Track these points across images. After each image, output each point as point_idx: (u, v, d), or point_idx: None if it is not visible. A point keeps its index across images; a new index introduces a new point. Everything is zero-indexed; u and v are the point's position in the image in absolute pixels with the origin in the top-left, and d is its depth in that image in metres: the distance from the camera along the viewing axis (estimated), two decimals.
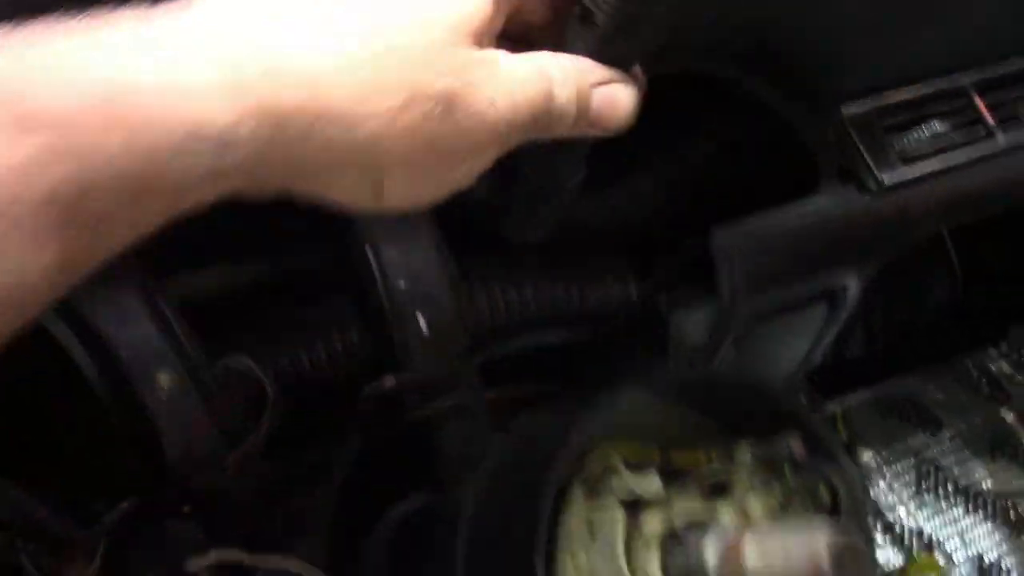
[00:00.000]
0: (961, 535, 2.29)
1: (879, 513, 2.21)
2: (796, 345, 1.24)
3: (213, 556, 0.81)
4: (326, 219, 1.17)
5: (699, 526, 0.73)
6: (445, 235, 1.15)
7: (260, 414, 1.00)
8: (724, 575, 0.68)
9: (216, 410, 0.98)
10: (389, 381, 0.90)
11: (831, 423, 2.24)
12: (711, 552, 0.69)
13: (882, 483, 2.31)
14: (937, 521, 2.29)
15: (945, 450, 2.41)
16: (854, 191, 1.17)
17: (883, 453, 2.34)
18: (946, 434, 2.43)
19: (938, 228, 1.28)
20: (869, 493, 0.68)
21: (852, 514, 0.74)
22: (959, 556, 2.23)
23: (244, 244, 1.22)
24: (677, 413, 0.80)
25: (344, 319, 1.13)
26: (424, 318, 1.08)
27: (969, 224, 1.52)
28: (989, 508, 2.35)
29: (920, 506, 2.30)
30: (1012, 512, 2.36)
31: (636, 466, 0.76)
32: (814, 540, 0.64)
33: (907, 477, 2.34)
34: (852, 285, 1.28)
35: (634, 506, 0.74)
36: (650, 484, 0.75)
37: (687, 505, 0.76)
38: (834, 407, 1.66)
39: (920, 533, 2.19)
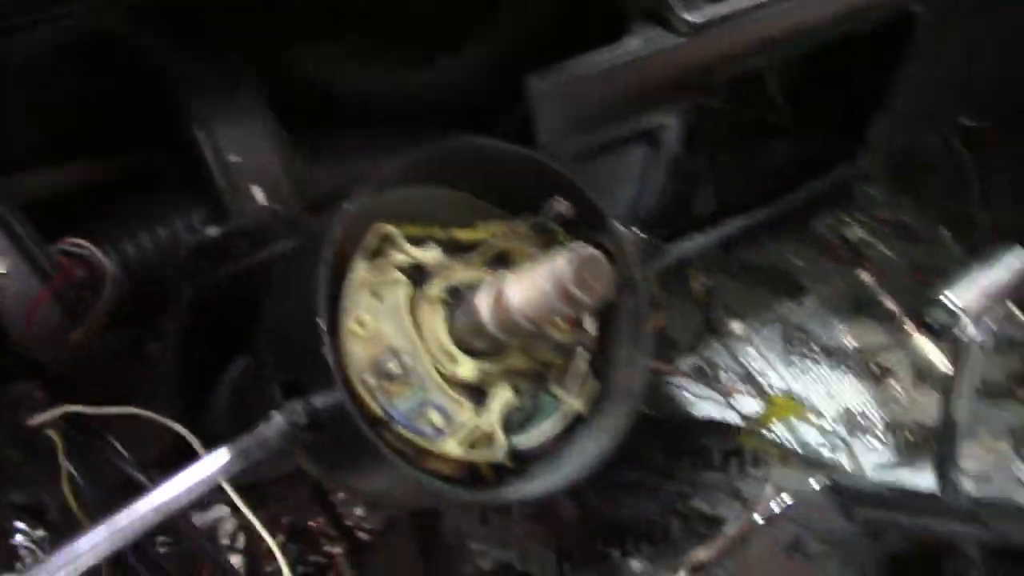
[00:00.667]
0: (829, 392, 2.43)
1: (750, 377, 2.33)
2: (626, 187, 1.30)
3: (57, 411, 0.84)
4: (159, 109, 1.19)
5: (477, 286, 0.78)
6: (275, 113, 1.18)
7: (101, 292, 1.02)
8: (495, 319, 0.73)
9: (56, 290, 1.00)
10: (212, 230, 0.93)
11: (704, 296, 2.35)
12: (483, 301, 0.74)
13: (751, 350, 2.42)
14: (806, 379, 2.42)
15: (809, 314, 2.54)
16: (662, 32, 1.22)
17: (752, 322, 2.45)
18: (809, 299, 2.56)
19: (751, 66, 1.34)
20: (636, 255, 0.72)
21: (624, 266, 0.79)
22: (828, 410, 2.36)
23: (83, 143, 1.24)
24: (460, 199, 0.85)
25: (185, 202, 1.14)
26: (260, 190, 1.11)
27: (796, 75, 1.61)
28: (853, 364, 2.49)
29: (788, 367, 2.42)
30: (874, 366, 2.51)
31: (418, 240, 0.81)
32: (556, 262, 0.69)
33: (775, 342, 2.46)
34: (670, 124, 1.34)
35: (420, 276, 0.79)
36: (431, 254, 0.79)
37: (469, 273, 0.80)
38: (683, 249, 1.72)
39: (790, 393, 2.31)
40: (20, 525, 0.94)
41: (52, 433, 0.85)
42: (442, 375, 0.78)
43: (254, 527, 1.72)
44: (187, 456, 0.85)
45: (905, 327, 2.58)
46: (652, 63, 1.20)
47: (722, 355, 2.35)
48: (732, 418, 2.07)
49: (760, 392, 2.12)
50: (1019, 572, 1.45)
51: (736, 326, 2.43)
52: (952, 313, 1.24)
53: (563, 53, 1.21)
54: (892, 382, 2.48)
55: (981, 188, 2.47)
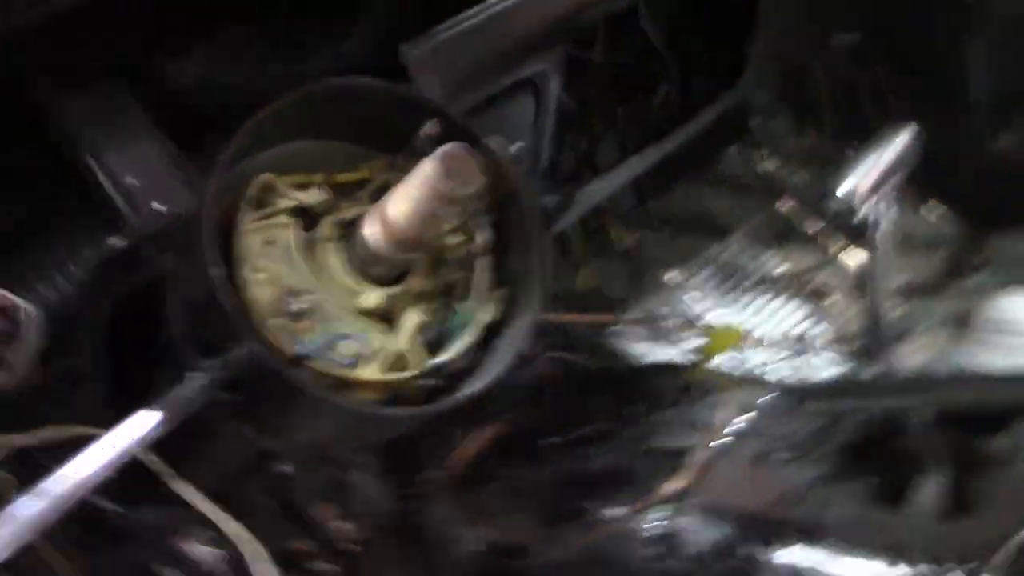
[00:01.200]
0: (770, 319, 2.49)
1: (688, 322, 2.37)
2: (520, 137, 1.33)
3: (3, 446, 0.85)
4: (47, 149, 1.20)
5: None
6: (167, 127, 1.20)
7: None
8: (384, 241, 0.75)
9: None
10: (115, 241, 0.94)
11: (630, 250, 2.40)
12: (369, 227, 0.77)
13: (688, 296, 2.48)
14: (746, 313, 2.48)
15: (738, 251, 2.60)
16: None
17: (682, 269, 2.51)
18: (735, 236, 2.62)
19: (617, 7, 1.38)
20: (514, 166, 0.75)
21: (503, 177, 0.82)
22: (773, 337, 2.42)
23: None
24: (337, 148, 0.88)
25: (93, 233, 1.16)
26: (163, 205, 1.13)
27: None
28: (789, 289, 2.56)
29: (728, 305, 2.48)
30: (809, 286, 2.58)
31: (302, 187, 0.83)
32: (422, 166, 0.72)
33: (710, 284, 2.52)
34: (547, 70, 1.38)
35: (309, 221, 0.81)
36: (315, 195, 0.82)
37: (356, 209, 0.83)
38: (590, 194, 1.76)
39: (730, 326, 2.37)
40: None
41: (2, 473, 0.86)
42: (349, 309, 0.81)
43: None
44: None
45: (832, 244, 2.65)
46: (517, 14, 1.24)
47: (661, 306, 2.40)
48: (679, 359, 2.12)
49: (699, 332, 2.17)
50: (968, 438, 1.50)
51: (669, 276, 2.48)
52: (841, 201, 1.29)
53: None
54: (830, 298, 2.54)
55: (874, 104, 2.55)
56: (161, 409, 0.74)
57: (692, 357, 2.07)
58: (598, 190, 1.70)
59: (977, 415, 1.47)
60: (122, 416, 0.90)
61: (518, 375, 1.86)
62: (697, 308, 2.44)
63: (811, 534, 1.42)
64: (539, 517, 1.74)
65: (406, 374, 0.80)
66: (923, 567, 1.30)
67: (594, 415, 1.81)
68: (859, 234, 1.38)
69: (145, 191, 1.15)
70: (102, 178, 1.14)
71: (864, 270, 1.39)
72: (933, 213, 2.69)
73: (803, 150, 2.85)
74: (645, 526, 1.61)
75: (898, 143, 1.35)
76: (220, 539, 1.75)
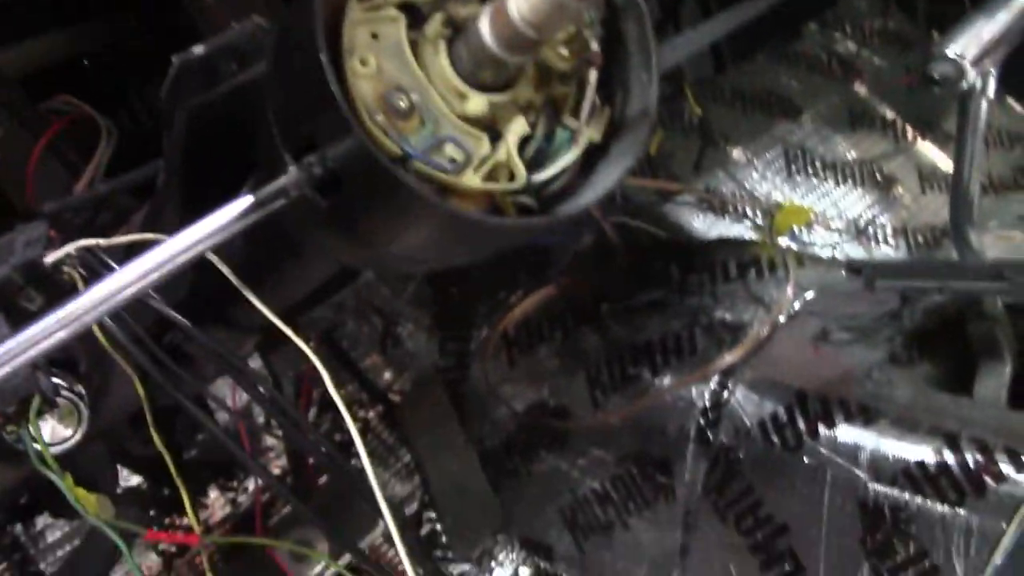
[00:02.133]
0: (836, 205, 2.42)
1: (755, 199, 2.32)
2: None
3: (71, 246, 0.84)
4: None
5: (476, 16, 0.76)
6: None
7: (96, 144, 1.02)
8: (499, 37, 0.71)
9: (50, 145, 1.00)
10: (198, 49, 0.91)
11: (704, 123, 2.33)
12: (484, 22, 0.73)
13: (755, 174, 2.41)
14: (812, 198, 2.41)
15: (808, 132, 2.52)
16: None
17: (751, 147, 2.44)
18: (807, 117, 2.54)
19: None
20: None
21: None
22: (838, 224, 2.36)
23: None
24: None
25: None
26: (238, 21, 1.09)
27: None
28: (857, 175, 2.49)
29: (794, 188, 2.42)
30: (878, 174, 2.50)
31: None
32: None
33: (777, 164, 2.45)
34: None
35: (417, 18, 0.77)
36: None
37: (467, 7, 0.79)
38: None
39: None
40: (57, 380, 0.95)
41: (69, 270, 0.85)
42: (454, 113, 0.77)
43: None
44: None
45: (906, 134, 2.57)
46: None
47: (727, 183, 2.34)
48: (744, 234, 2.07)
49: (767, 209, 2.12)
50: None
51: (736, 152, 2.41)
52: (952, 62, 1.22)
53: None
54: (898, 189, 2.47)
55: None
56: (262, 197, 0.71)
57: (758, 233, 2.02)
58: (680, 47, 1.63)
59: None
60: None
61: (579, 237, 1.84)
62: (762, 188, 2.38)
63: (870, 414, 1.40)
64: (589, 381, 1.73)
65: (509, 185, 0.76)
66: (977, 454, 1.29)
67: (655, 283, 1.78)
68: (962, 103, 1.30)
69: (225, 9, 1.11)
70: None
71: (960, 145, 1.32)
72: (1017, 105, 2.59)
73: (885, 31, 2.73)
74: (696, 397, 1.60)
75: (1009, 9, 1.26)
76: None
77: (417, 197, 0.69)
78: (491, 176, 0.76)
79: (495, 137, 0.78)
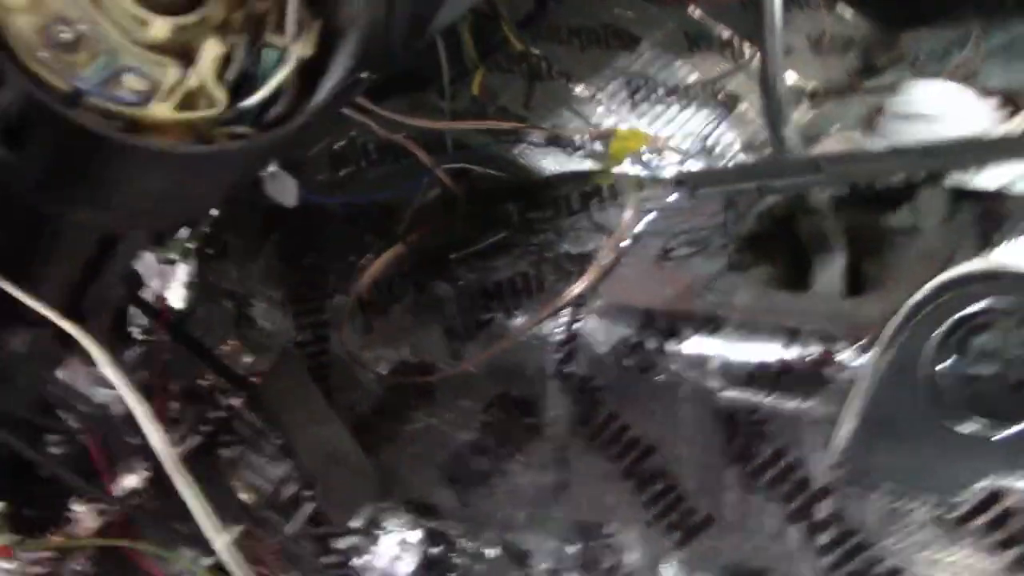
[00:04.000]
0: (682, 128, 2.43)
1: (597, 132, 2.31)
2: None
3: None
4: None
5: None
6: None
7: None
8: None
9: None
10: None
11: (534, 71, 2.30)
12: None
13: (600, 108, 2.40)
14: (658, 124, 2.41)
15: (647, 60, 2.51)
16: None
17: (593, 81, 2.42)
18: (645, 47, 2.53)
19: None
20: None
21: None
22: (685, 147, 2.37)
23: None
24: None
25: None
26: None
27: None
28: (700, 97, 2.50)
29: (640, 117, 2.41)
30: (721, 93, 2.52)
31: None
32: None
33: (621, 96, 2.44)
34: None
35: None
36: None
37: None
38: None
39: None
40: None
41: None
42: (134, 42, 0.72)
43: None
44: None
45: (743, 51, 2.58)
46: None
47: (571, 120, 2.32)
48: (586, 167, 2.06)
49: (602, 136, 2.11)
50: (867, 215, 1.48)
51: (579, 89, 2.39)
52: None
53: None
54: (742, 105, 2.49)
55: None
56: None
57: (598, 164, 2.01)
58: None
59: (875, 193, 1.44)
60: None
61: (418, 191, 1.80)
62: (608, 121, 2.37)
63: (714, 323, 1.40)
64: (446, 333, 1.71)
65: (207, 112, 0.71)
66: (816, 346, 1.30)
67: (498, 226, 1.76)
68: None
69: None
70: None
71: (761, 45, 1.33)
72: (846, 12, 2.63)
73: None
74: (550, 333, 1.59)
75: None
76: None
77: (100, 135, 0.64)
78: (188, 105, 0.71)
79: (189, 63, 0.73)
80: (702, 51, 2.56)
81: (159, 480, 1.73)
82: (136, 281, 1.13)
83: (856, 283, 1.44)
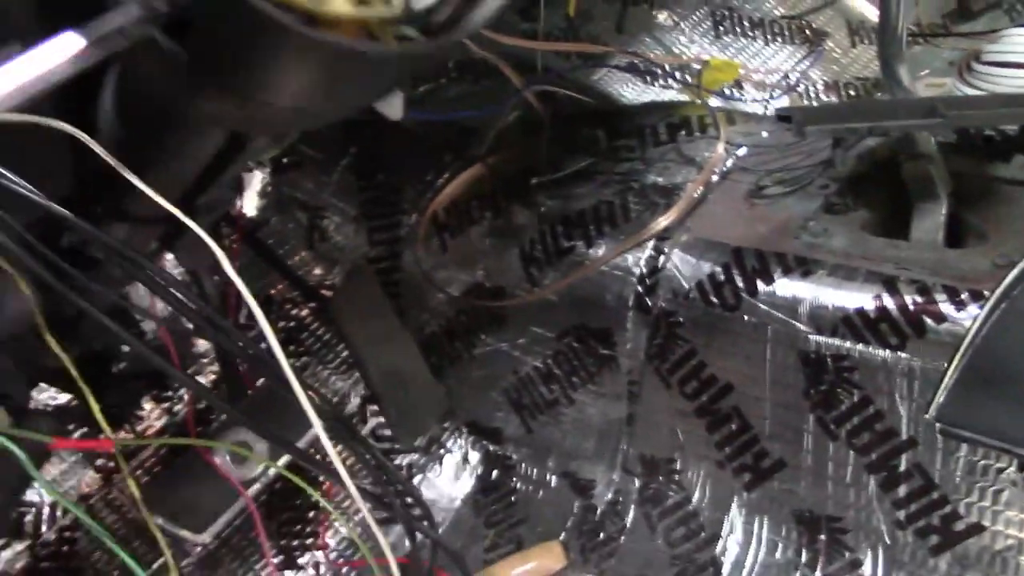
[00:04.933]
0: (766, 63, 2.36)
1: (684, 61, 2.25)
2: None
3: None
4: None
5: None
6: None
7: None
8: None
9: None
10: None
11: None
12: None
13: (682, 38, 2.34)
14: (742, 58, 2.35)
15: None
16: None
17: (676, 9, 2.36)
18: None
19: None
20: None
21: None
22: (769, 81, 2.31)
23: None
24: None
25: None
26: None
27: None
28: (786, 32, 2.43)
29: (723, 49, 2.35)
30: (807, 30, 2.44)
31: None
32: None
33: (704, 26, 2.38)
34: None
35: None
36: None
37: None
38: None
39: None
40: None
41: None
42: None
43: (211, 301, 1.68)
44: None
45: None
46: None
47: (654, 48, 2.27)
48: (674, 98, 2.01)
49: (696, 72, 2.05)
50: (975, 162, 1.43)
51: (662, 16, 2.34)
52: None
53: None
54: (827, 43, 2.42)
55: None
56: (86, 35, 0.63)
57: (686, 95, 1.96)
58: None
59: (985, 141, 1.39)
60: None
61: (503, 111, 1.76)
62: (691, 50, 2.31)
63: (807, 265, 1.37)
64: (523, 257, 1.68)
65: (383, 11, 0.68)
66: (915, 296, 1.26)
67: (584, 152, 1.72)
68: None
69: None
70: None
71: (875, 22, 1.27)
72: None
73: None
74: (633, 264, 1.56)
75: None
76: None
77: (280, 26, 0.61)
78: (364, 2, 0.68)
79: None
80: None
81: (230, 381, 1.74)
82: (240, 186, 1.11)
83: (956, 233, 1.40)
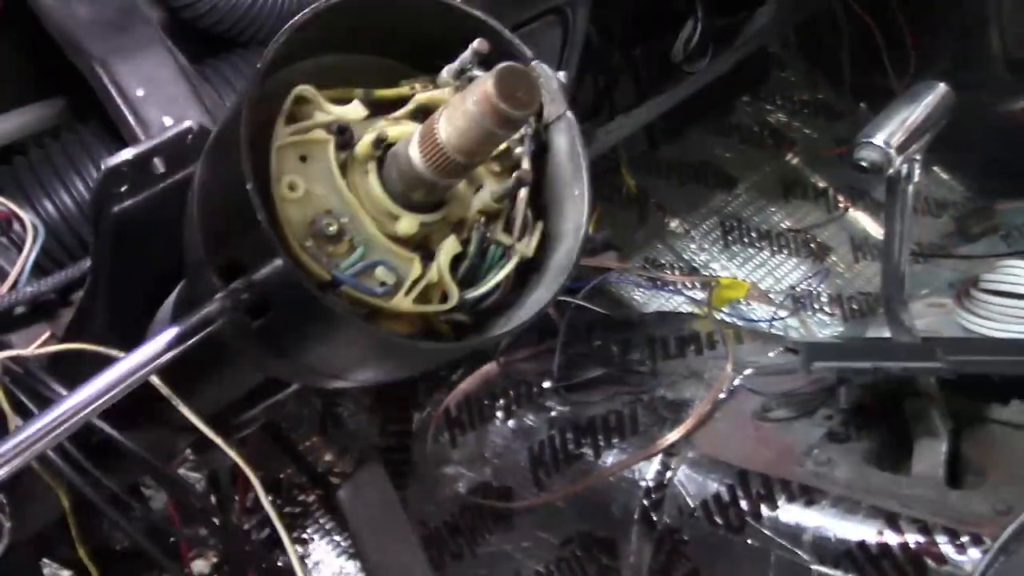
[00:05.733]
0: (772, 274, 2.46)
1: (695, 271, 2.35)
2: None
3: None
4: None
5: (406, 138, 0.75)
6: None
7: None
8: (428, 161, 0.70)
9: None
10: (126, 153, 0.89)
11: (638, 196, 2.36)
12: (414, 145, 0.72)
13: (693, 245, 2.45)
14: (749, 267, 2.45)
15: (742, 203, 2.57)
16: None
17: (688, 218, 2.48)
18: (741, 188, 2.59)
19: None
20: (563, 91, 0.71)
21: (553, 99, 0.77)
22: (775, 294, 2.40)
23: None
24: (378, 64, 0.82)
25: (100, 148, 1.11)
26: (171, 119, 1.08)
27: None
28: (791, 244, 2.53)
29: (731, 258, 2.45)
30: (812, 244, 2.55)
31: (338, 101, 0.78)
32: (479, 81, 0.67)
33: (714, 235, 2.49)
34: (579, 5, 1.33)
35: (346, 139, 0.76)
36: (354, 110, 0.76)
37: (398, 128, 0.78)
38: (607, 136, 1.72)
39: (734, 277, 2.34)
40: None
41: None
42: (385, 234, 0.76)
43: (223, 486, 1.70)
44: None
45: (838, 202, 2.62)
46: None
47: (665, 254, 2.37)
48: (683, 308, 2.09)
49: (705, 283, 2.14)
50: (976, 405, 1.48)
51: (674, 224, 2.45)
52: (879, 149, 1.25)
53: None
54: (831, 257, 2.52)
55: (890, 56, 2.49)
56: (182, 330, 0.70)
57: (697, 307, 2.04)
58: (616, 131, 1.65)
59: (987, 383, 1.45)
60: (124, 338, 0.86)
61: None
62: (700, 258, 2.41)
63: (811, 494, 1.40)
64: (532, 461, 1.72)
65: (440, 307, 0.75)
66: (916, 535, 1.29)
67: (596, 360, 1.78)
68: (890, 188, 1.33)
69: (154, 103, 1.10)
70: (110, 87, 1.09)
71: (889, 227, 1.35)
72: (943, 174, 2.66)
73: (814, 103, 2.80)
74: (640, 477, 1.59)
75: (932, 99, 1.30)
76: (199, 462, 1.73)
77: (347, 323, 0.68)
78: (423, 296, 0.75)
79: (427, 255, 0.77)
80: (797, 198, 2.61)
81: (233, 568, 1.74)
82: (277, 408, 1.18)
83: (955, 467, 1.43)
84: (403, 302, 0.72)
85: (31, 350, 0.80)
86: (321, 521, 1.93)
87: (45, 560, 1.72)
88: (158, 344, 0.68)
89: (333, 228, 0.72)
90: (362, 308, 0.72)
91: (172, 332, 0.68)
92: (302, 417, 1.97)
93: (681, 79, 1.70)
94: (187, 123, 0.86)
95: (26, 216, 1.05)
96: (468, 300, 0.76)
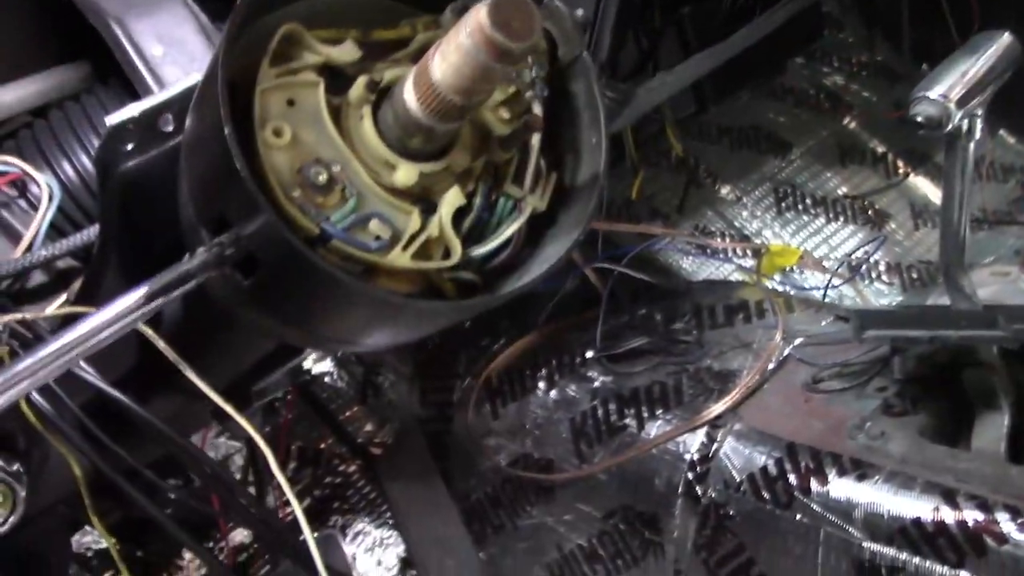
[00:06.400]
0: (827, 242, 2.38)
1: (747, 239, 2.27)
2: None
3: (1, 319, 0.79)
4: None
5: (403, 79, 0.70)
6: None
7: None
8: (424, 103, 0.65)
9: None
10: (134, 108, 0.86)
11: (687, 162, 2.28)
12: (408, 87, 0.67)
13: (744, 212, 2.37)
14: (802, 235, 2.37)
15: (797, 168, 2.48)
16: None
17: (739, 184, 2.40)
18: (795, 154, 2.50)
19: None
20: (578, 31, 0.65)
21: (567, 41, 0.71)
22: (829, 262, 2.31)
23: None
24: (375, 4, 0.77)
25: (116, 104, 1.09)
26: (187, 75, 1.05)
27: None
28: (848, 212, 2.44)
29: (784, 225, 2.37)
30: (870, 210, 2.46)
31: (332, 42, 0.73)
32: (471, 13, 0.62)
33: (767, 201, 2.41)
34: None
35: (339, 82, 0.71)
36: (346, 52, 0.71)
37: (394, 70, 0.73)
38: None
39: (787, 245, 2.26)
40: None
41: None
42: (380, 185, 0.71)
43: (262, 460, 1.69)
44: None
45: (898, 168, 2.52)
46: None
47: (716, 221, 2.29)
48: (734, 277, 2.02)
49: (756, 250, 2.07)
50: None
51: (725, 190, 2.37)
52: (936, 104, 1.17)
53: None
54: (890, 224, 2.43)
55: (953, 13, 2.38)
56: (156, 285, 0.66)
57: (745, 275, 1.97)
58: (658, 89, 1.58)
59: None
60: None
61: (562, 283, 1.78)
62: (752, 226, 2.33)
63: (864, 469, 1.34)
64: (574, 432, 1.67)
65: (443, 263, 0.70)
66: (975, 512, 1.23)
67: (641, 330, 1.73)
68: (949, 145, 1.25)
69: (172, 61, 1.07)
70: (126, 45, 1.06)
71: (948, 187, 1.27)
72: (1009, 138, 2.55)
73: (873, 64, 2.69)
74: (684, 449, 1.54)
75: (995, 49, 1.21)
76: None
77: (335, 280, 0.63)
78: (423, 252, 0.70)
79: (428, 208, 0.71)
80: (854, 164, 2.51)
81: (267, 539, 1.72)
82: (297, 373, 1.14)
83: (1018, 443, 1.36)
84: (400, 258, 0.68)
85: (36, 313, 0.77)
86: (364, 491, 1.91)
87: (87, 528, 1.73)
88: (136, 295, 0.64)
89: (323, 177, 0.68)
90: (356, 265, 0.67)
91: (148, 286, 0.64)
92: (341, 386, 1.95)
93: (727, 37, 1.63)
94: (196, 77, 0.81)
95: (41, 177, 1.02)
96: (475, 257, 0.71)
